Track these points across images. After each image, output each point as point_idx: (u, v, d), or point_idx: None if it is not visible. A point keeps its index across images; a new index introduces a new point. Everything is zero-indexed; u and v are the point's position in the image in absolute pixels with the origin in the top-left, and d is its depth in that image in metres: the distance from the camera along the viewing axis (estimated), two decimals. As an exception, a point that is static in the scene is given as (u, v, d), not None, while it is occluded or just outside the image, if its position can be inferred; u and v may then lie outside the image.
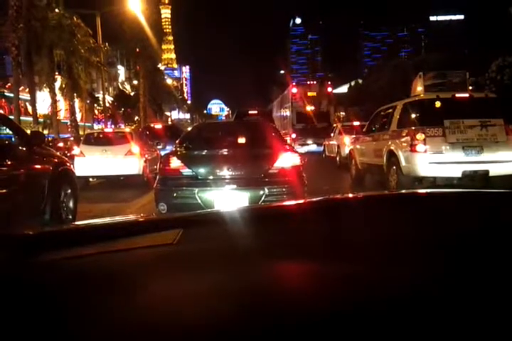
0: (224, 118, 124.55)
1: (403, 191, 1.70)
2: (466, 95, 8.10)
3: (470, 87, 8.99)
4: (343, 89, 65.67)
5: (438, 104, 7.72)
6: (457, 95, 7.93)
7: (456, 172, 7.29)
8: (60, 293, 0.72)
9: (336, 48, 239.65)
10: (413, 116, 8.05)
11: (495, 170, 7.27)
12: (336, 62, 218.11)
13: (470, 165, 7.31)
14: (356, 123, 16.79)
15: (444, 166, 7.36)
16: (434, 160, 7.37)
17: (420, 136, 7.44)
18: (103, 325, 0.61)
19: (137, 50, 39.03)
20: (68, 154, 13.58)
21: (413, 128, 7.72)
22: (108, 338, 0.58)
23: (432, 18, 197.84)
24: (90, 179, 11.77)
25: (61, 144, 22.33)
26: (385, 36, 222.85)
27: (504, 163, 7.31)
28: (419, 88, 8.58)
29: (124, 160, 11.12)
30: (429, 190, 1.45)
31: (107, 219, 1.43)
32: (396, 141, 8.17)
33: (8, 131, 5.52)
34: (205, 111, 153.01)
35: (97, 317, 0.63)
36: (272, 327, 0.58)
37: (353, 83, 65.47)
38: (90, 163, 11.12)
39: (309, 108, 27.26)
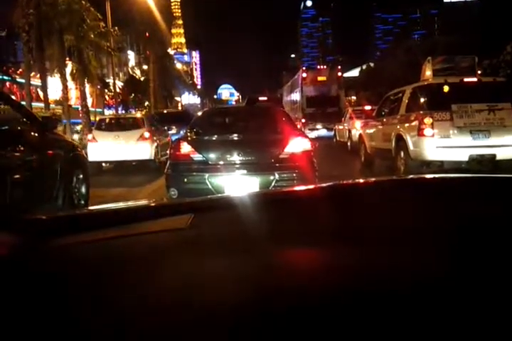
0: (234, 103, 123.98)
1: (413, 176, 1.60)
2: (475, 79, 8.09)
3: (479, 72, 8.95)
4: (355, 72, 65.02)
5: (446, 88, 7.71)
6: (465, 79, 7.93)
7: (463, 156, 7.30)
8: (73, 277, 0.72)
9: (348, 31, 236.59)
10: (421, 100, 8.06)
11: (502, 154, 7.29)
12: (347, 45, 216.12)
13: (477, 149, 7.33)
14: (367, 107, 16.62)
15: (451, 150, 7.39)
16: (442, 145, 7.40)
17: (428, 120, 7.46)
18: (116, 309, 0.62)
19: (147, 34, 38.91)
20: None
21: (421, 112, 7.74)
22: (120, 322, 0.59)
23: (446, 0, 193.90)
24: (103, 164, 11.87)
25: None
26: (398, 18, 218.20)
27: (511, 147, 7.32)
28: (428, 72, 8.57)
29: (136, 146, 11.23)
30: (438, 175, 1.45)
31: (120, 204, 1.42)
32: (404, 125, 8.20)
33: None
34: (215, 96, 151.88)
35: (110, 301, 0.64)
36: (281, 312, 0.58)
37: (364, 66, 64.68)
38: (103, 148, 11.26)
39: (319, 92, 27.16)
